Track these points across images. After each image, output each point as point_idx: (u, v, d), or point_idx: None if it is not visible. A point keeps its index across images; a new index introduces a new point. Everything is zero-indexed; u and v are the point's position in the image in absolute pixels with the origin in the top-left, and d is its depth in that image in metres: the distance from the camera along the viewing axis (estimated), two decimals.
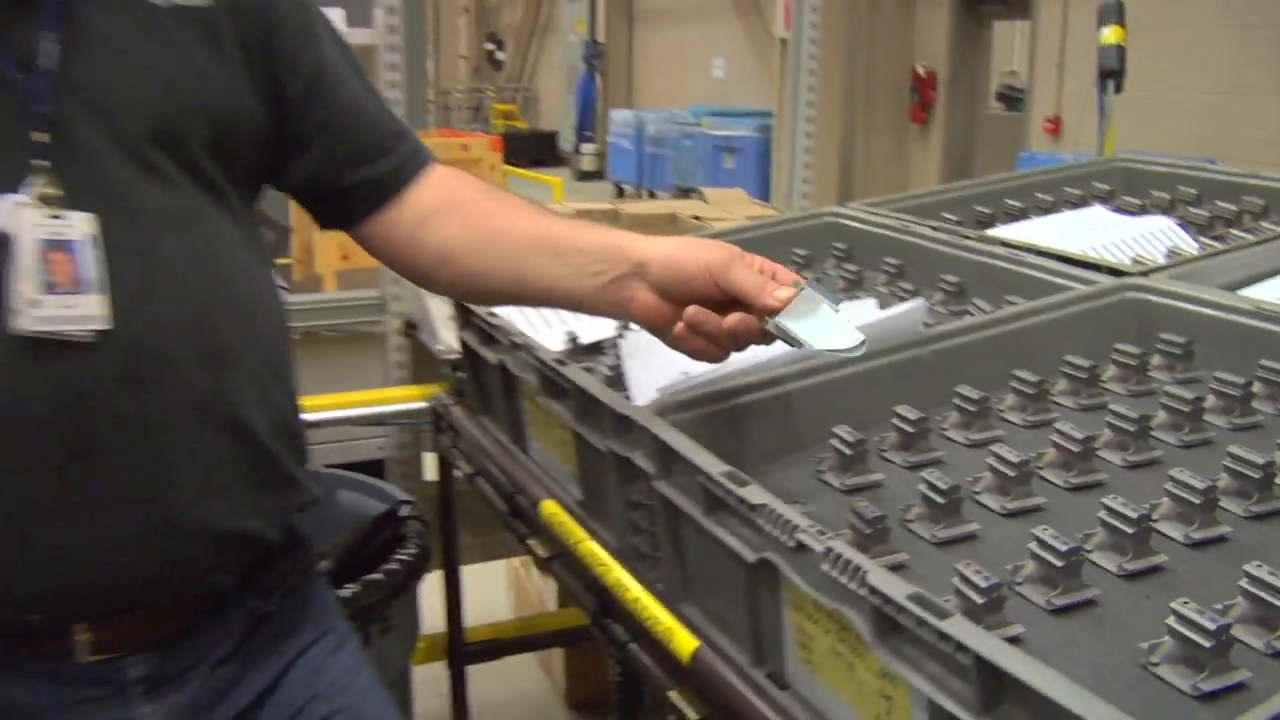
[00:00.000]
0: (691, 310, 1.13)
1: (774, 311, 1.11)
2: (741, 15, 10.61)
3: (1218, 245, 1.87)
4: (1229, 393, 1.32)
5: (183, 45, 1.13)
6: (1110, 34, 4.75)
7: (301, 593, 1.28)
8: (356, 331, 2.80)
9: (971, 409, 1.30)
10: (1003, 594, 0.93)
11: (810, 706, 1.06)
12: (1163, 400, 1.31)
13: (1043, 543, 1.00)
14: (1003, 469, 1.15)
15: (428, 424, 2.21)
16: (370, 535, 2.11)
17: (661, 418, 1.21)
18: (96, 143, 1.08)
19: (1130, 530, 1.03)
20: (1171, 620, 0.89)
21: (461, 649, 2.54)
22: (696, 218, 2.61)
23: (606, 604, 1.37)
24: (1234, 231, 1.97)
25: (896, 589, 0.85)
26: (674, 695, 1.20)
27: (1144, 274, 1.61)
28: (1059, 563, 0.98)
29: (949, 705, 0.82)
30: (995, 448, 1.17)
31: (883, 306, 1.56)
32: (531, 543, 1.60)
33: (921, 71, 9.92)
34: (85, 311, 1.05)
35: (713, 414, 1.27)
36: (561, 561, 1.53)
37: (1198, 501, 1.08)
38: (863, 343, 1.11)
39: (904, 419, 1.26)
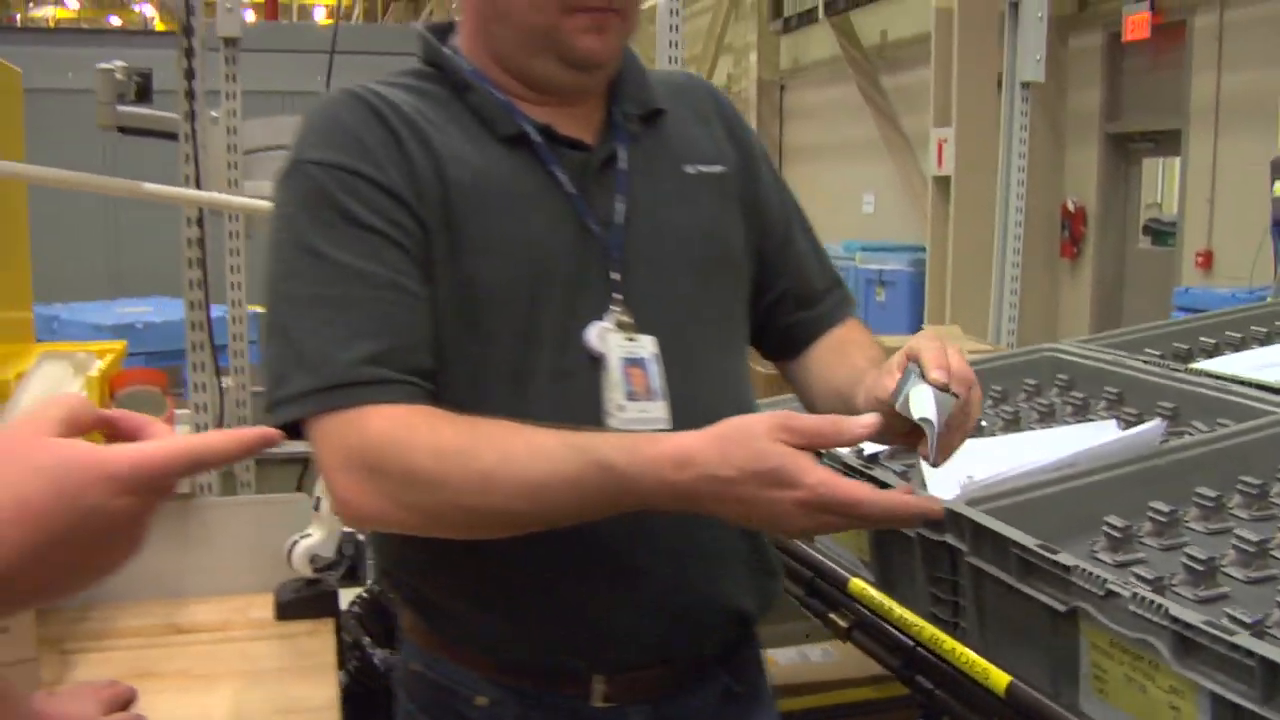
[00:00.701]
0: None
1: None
2: (893, 153, 11.07)
3: None
4: None
5: (706, 204, 1.44)
6: None
7: (758, 669, 1.55)
8: None
9: (1209, 504, 1.65)
10: (1264, 629, 1.28)
11: None
12: None
13: None
14: (1244, 546, 1.50)
15: None
16: None
17: (973, 507, 1.59)
18: (651, 280, 1.37)
19: None
20: None
21: None
22: None
23: (913, 660, 1.74)
24: None
25: (1194, 617, 1.22)
26: None
27: None
28: None
29: (1237, 699, 1.18)
30: (1237, 531, 1.52)
31: (1121, 428, 1.92)
32: (832, 616, 1.97)
33: (1071, 207, 10.23)
34: (655, 415, 1.32)
35: (1003, 506, 1.65)
36: (861, 630, 1.89)
37: None
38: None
39: (1158, 511, 1.62)
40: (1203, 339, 2.57)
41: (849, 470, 1.87)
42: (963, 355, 1.24)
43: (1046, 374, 2.43)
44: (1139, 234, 10.35)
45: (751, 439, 1.12)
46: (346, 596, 2.20)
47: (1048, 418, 2.14)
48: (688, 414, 1.29)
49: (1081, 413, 2.24)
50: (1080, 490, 1.67)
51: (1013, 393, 2.33)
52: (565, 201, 1.35)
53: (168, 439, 0.82)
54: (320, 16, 25.91)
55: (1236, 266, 8.18)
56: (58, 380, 2.42)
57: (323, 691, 1.77)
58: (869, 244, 11.56)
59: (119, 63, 2.43)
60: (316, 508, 2.06)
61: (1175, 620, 1.24)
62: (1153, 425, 1.81)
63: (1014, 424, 2.11)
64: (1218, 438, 1.83)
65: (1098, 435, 1.80)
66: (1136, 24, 9.23)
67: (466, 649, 1.39)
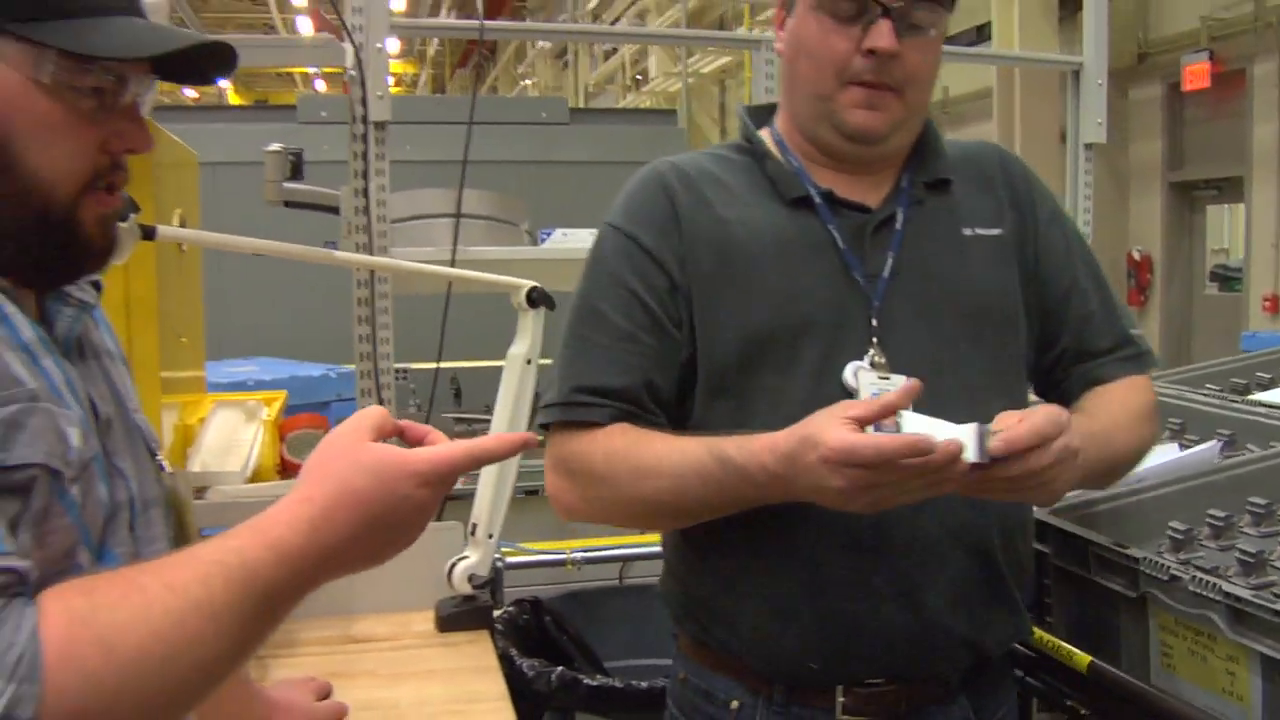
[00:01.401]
0: None
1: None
2: None
3: None
4: None
5: (979, 263, 1.55)
6: None
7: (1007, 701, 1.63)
8: None
9: (1260, 511, 1.90)
10: None
11: (1176, 694, 1.66)
12: None
13: None
14: None
15: None
16: None
17: (1056, 517, 1.85)
18: (911, 328, 1.49)
19: None
20: None
21: None
22: None
23: (1011, 652, 1.99)
24: None
25: (1244, 592, 1.47)
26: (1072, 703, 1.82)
27: None
28: None
29: None
30: None
31: (1181, 449, 2.17)
32: None
33: (1136, 255, 10.41)
34: None
35: (1081, 516, 1.91)
36: None
37: None
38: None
39: (1214, 517, 1.86)
40: (1259, 374, 2.81)
41: None
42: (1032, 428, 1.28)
43: None
44: (1205, 280, 10.48)
45: (813, 418, 1.28)
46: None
47: None
48: None
49: (1172, 439, 2.49)
50: (1147, 501, 1.93)
51: None
52: (837, 256, 1.51)
53: (452, 443, 1.11)
54: (389, 84, 26.60)
55: None
56: (233, 425, 2.75)
57: (494, 687, 2.06)
58: None
59: (278, 145, 2.79)
60: (473, 533, 2.35)
61: (1228, 595, 1.49)
62: (1209, 445, 2.06)
63: None
64: (1269, 456, 2.08)
65: (1161, 456, 2.06)
66: (1196, 74, 9.45)
67: (725, 656, 1.54)
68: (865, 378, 1.43)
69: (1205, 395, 2.56)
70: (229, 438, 2.69)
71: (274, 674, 2.12)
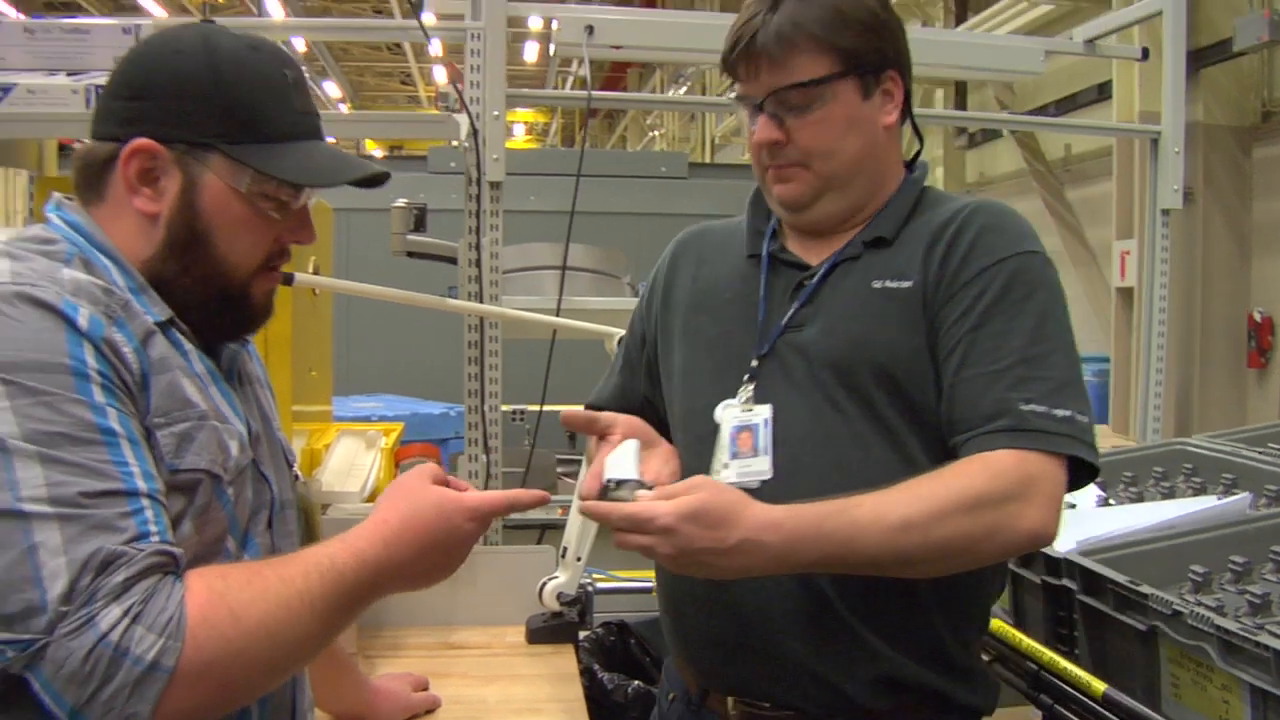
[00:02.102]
0: None
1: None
2: (1077, 265, 11.27)
3: None
4: None
5: (875, 315, 1.59)
6: None
7: None
8: None
9: None
10: None
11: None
12: None
13: None
14: None
15: None
16: None
17: (1085, 557, 2.02)
18: (792, 367, 1.61)
19: None
20: None
21: None
22: None
23: (1038, 681, 2.16)
24: None
25: (1234, 626, 1.64)
26: None
27: None
28: None
29: (1268, 687, 1.59)
30: None
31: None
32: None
33: (1258, 317, 10.28)
34: (758, 467, 1.58)
35: (1110, 558, 2.07)
36: (999, 661, 2.32)
37: None
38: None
39: (1235, 562, 2.02)
40: None
41: None
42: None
43: (1174, 464, 2.82)
44: None
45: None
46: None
47: (1168, 497, 2.54)
48: (789, 468, 1.58)
49: (1199, 493, 2.63)
50: (1176, 546, 2.09)
51: (1142, 479, 2.72)
52: (757, 306, 1.69)
53: (494, 492, 1.40)
54: (520, 134, 27.36)
55: None
56: (354, 451, 3.04)
57: (572, 692, 2.29)
58: None
59: (404, 200, 3.09)
60: (563, 555, 2.59)
61: (1219, 629, 1.66)
62: (1240, 497, 2.21)
63: (1137, 501, 2.52)
64: None
65: (1195, 505, 2.21)
66: None
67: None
68: (728, 413, 1.63)
69: (1261, 453, 2.69)
70: (350, 462, 2.98)
71: (380, 671, 2.38)
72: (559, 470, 5.44)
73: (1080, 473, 1.53)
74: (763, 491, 1.50)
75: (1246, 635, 1.61)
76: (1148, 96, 9.35)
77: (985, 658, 2.34)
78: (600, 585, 2.93)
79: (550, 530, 3.36)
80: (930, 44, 4.00)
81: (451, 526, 1.30)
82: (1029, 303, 1.54)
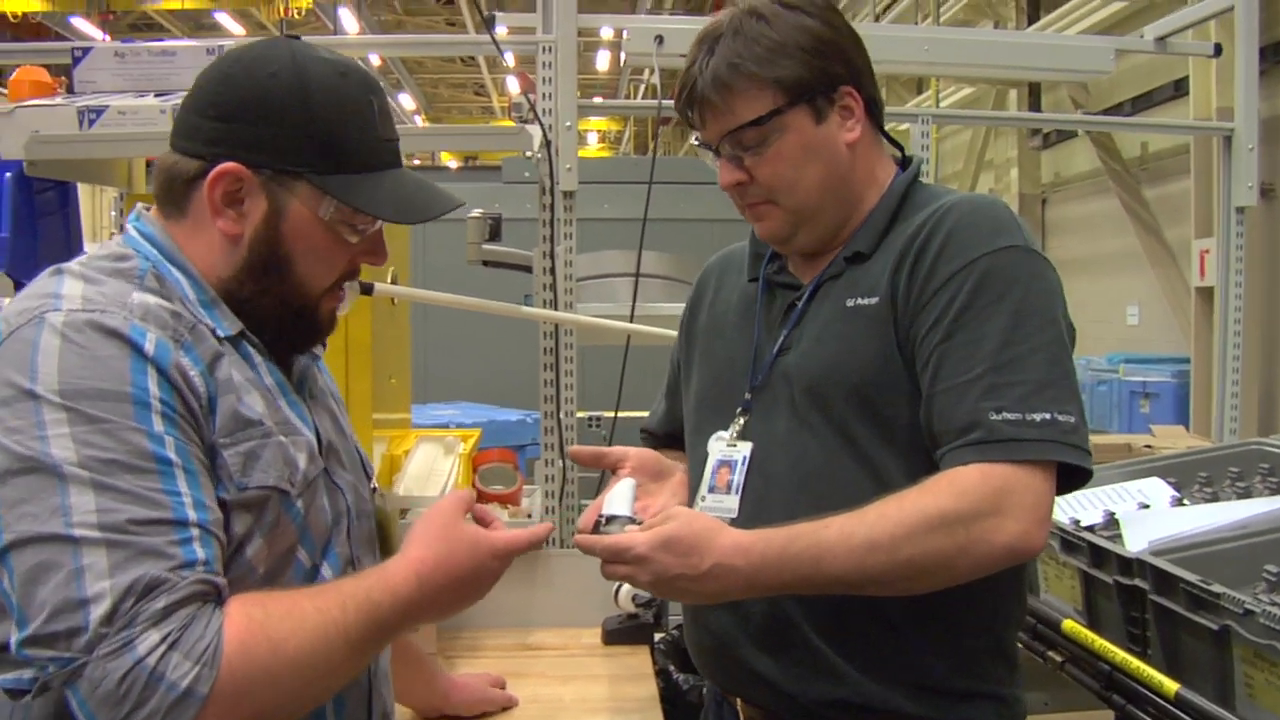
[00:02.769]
0: None
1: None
2: (1155, 265, 11.12)
3: None
4: None
5: (848, 334, 1.56)
6: None
7: None
8: None
9: None
10: None
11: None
12: None
13: None
14: None
15: None
16: None
17: (1157, 558, 2.03)
18: (779, 395, 1.60)
19: None
20: None
21: None
22: (1148, 446, 3.41)
23: (1110, 680, 2.16)
24: None
25: None
26: None
27: None
28: None
29: None
30: None
31: None
32: (1050, 654, 2.41)
33: None
34: (727, 505, 1.61)
35: (1184, 558, 2.07)
36: (1071, 662, 2.32)
37: None
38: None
39: None
40: None
41: (1063, 532, 2.33)
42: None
43: (1250, 464, 2.80)
44: None
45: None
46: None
47: (1243, 497, 2.53)
48: (753, 508, 1.60)
49: (1276, 493, 2.61)
50: (1248, 547, 2.08)
51: (1218, 479, 2.71)
52: (755, 332, 1.69)
53: (518, 531, 1.45)
54: (593, 142, 27.49)
55: None
56: (433, 457, 3.11)
57: (647, 691, 2.34)
58: (1131, 356, 11.57)
59: (479, 211, 3.15)
60: None
61: None
62: None
63: (1212, 501, 2.51)
64: None
65: (1271, 504, 2.20)
66: None
67: None
68: (714, 446, 1.67)
69: None
70: (429, 468, 3.04)
71: (459, 671, 2.44)
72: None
73: (1074, 473, 1.48)
74: (736, 521, 1.53)
75: None
76: (1224, 92, 9.21)
77: (1058, 659, 2.35)
78: None
79: None
80: (1000, 46, 4.01)
81: (482, 567, 1.37)
82: (1001, 304, 1.48)
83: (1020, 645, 2.43)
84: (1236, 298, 3.75)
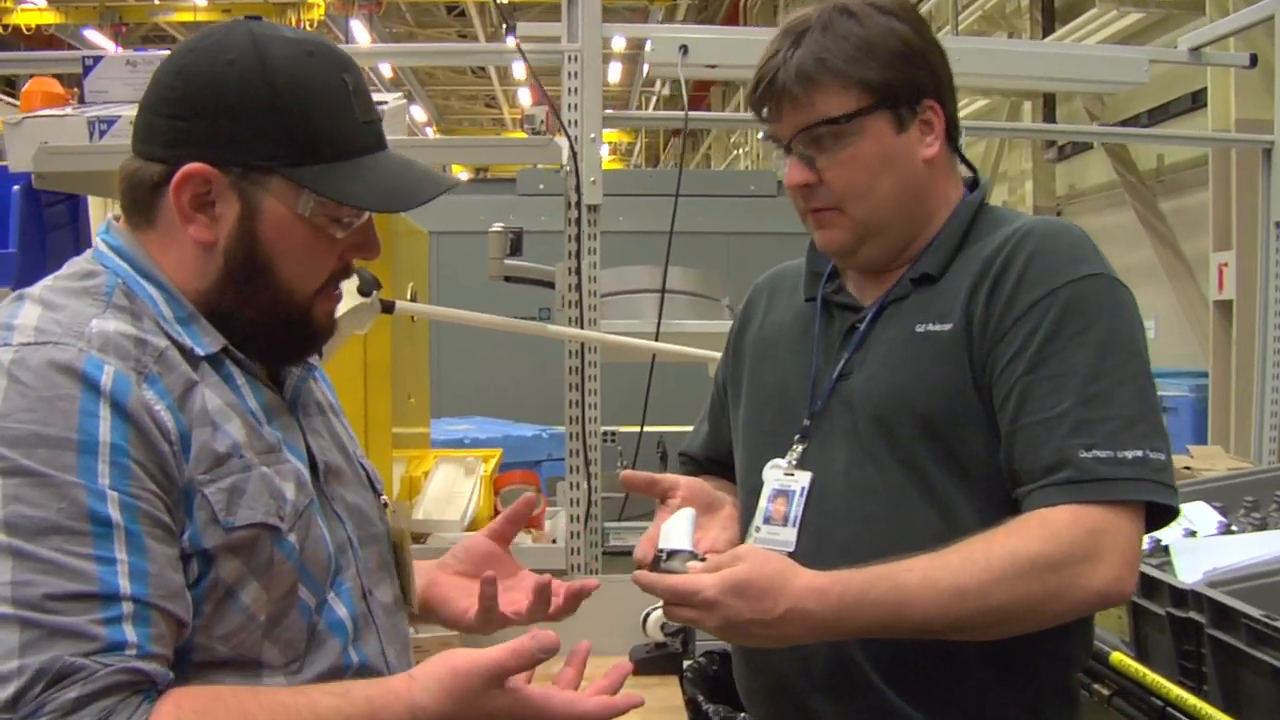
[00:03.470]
0: None
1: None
2: (1172, 278, 11.04)
3: None
4: None
5: (916, 361, 1.48)
6: None
7: None
8: None
9: None
10: None
11: None
12: None
13: None
14: None
15: None
16: None
17: (1213, 589, 1.95)
18: (839, 422, 1.52)
19: None
20: None
21: None
22: (1187, 468, 3.32)
23: (1163, 716, 2.08)
24: None
25: None
26: None
27: None
28: None
29: None
30: None
31: None
32: (1096, 686, 2.32)
33: None
34: (784, 538, 1.52)
35: (1240, 589, 1.99)
36: (1120, 696, 2.24)
37: None
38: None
39: None
40: None
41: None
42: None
43: None
44: None
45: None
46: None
47: None
48: (812, 544, 1.51)
49: None
50: None
51: (1264, 503, 2.63)
52: (812, 355, 1.61)
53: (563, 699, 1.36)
54: (604, 155, 27.47)
55: None
56: (453, 478, 3.04)
57: None
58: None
59: (500, 225, 3.08)
60: None
61: None
62: None
63: (1261, 528, 2.43)
64: None
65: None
66: None
67: None
68: (771, 475, 1.57)
69: None
70: (450, 490, 2.97)
71: None
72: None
73: (1159, 511, 1.41)
74: (794, 555, 1.44)
75: None
76: (1245, 104, 9.13)
77: (1105, 693, 2.27)
78: None
79: None
80: (1029, 57, 3.93)
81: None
82: (1087, 335, 1.42)
83: None
84: (1277, 314, 3.65)
